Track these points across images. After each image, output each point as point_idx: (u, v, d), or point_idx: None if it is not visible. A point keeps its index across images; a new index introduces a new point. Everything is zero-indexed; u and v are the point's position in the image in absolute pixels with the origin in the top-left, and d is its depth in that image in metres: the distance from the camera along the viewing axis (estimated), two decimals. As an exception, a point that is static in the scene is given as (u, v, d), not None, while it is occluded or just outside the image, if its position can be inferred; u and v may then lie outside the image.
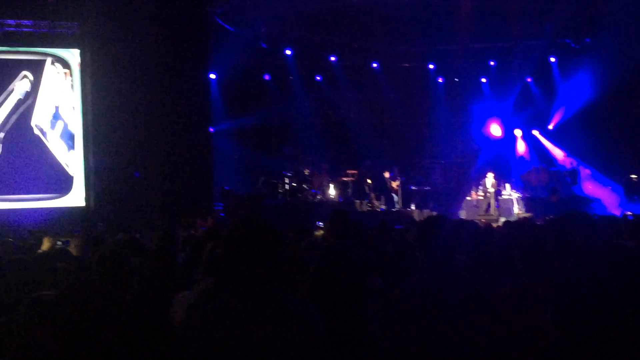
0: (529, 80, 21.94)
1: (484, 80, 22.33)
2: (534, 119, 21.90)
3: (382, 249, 6.24)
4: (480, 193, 18.89)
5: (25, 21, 15.65)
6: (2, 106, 15.57)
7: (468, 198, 19.27)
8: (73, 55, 16.10)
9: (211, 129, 17.36)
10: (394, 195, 19.36)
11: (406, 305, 3.28)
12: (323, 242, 6.40)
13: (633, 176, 19.16)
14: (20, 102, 15.72)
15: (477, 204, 18.72)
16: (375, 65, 21.57)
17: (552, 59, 21.49)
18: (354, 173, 19.72)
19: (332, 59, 21.00)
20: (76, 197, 15.89)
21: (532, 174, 20.15)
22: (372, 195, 19.23)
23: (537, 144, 21.95)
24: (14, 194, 15.46)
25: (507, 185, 19.36)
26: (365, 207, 18.66)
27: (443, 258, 3.35)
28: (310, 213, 16.12)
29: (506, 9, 19.40)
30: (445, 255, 3.36)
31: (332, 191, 19.31)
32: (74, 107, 16.08)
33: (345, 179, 19.61)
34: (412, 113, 22.46)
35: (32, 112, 15.79)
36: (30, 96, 15.80)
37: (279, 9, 18.39)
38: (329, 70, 21.45)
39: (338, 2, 18.72)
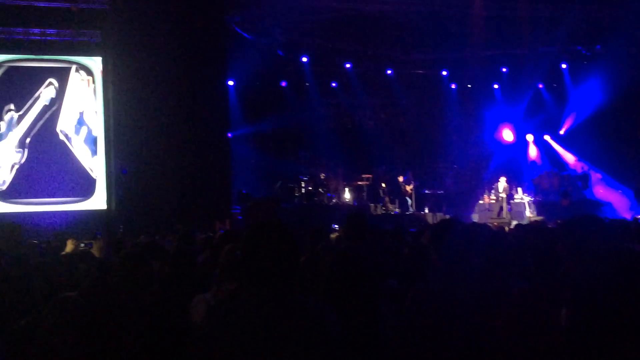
0: (540, 86, 21.86)
1: (496, 86, 22.26)
2: (545, 124, 21.81)
3: (396, 252, 6.22)
4: (493, 197, 18.82)
5: (49, 30, 15.78)
6: (29, 112, 15.70)
7: (480, 202, 19.21)
8: (95, 63, 16.22)
9: (229, 134, 17.41)
10: (407, 199, 19.32)
11: (419, 307, 3.27)
12: (337, 244, 6.39)
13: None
14: (46, 108, 15.84)
15: (489, 208, 18.64)
16: (389, 72, 21.54)
17: (564, 66, 21.42)
18: (368, 177, 19.70)
19: (347, 65, 20.99)
20: (98, 201, 15.98)
21: (544, 178, 20.05)
22: (387, 199, 19.20)
23: (548, 149, 21.84)
24: (39, 197, 15.57)
25: (519, 189, 19.27)
26: (380, 211, 18.64)
27: (456, 260, 3.33)
28: (326, 216, 16.10)
29: (518, 16, 19.32)
30: (458, 257, 3.34)
31: (347, 195, 19.30)
32: (96, 113, 16.19)
33: (360, 183, 19.59)
34: (426, 118, 22.40)
35: (58, 118, 15.91)
36: (56, 102, 15.93)
37: (296, 17, 18.40)
38: (344, 76, 21.44)
39: (353, 10, 18.71)
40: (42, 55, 15.89)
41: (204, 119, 15.92)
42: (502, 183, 18.59)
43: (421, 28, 19.47)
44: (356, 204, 18.80)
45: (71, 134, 15.97)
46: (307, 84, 20.90)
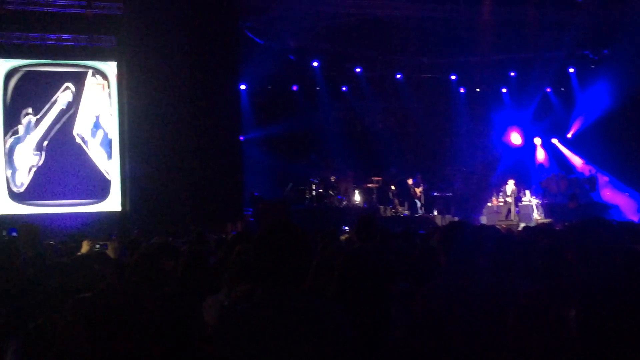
0: (548, 90, 21.77)
1: (504, 90, 22.20)
2: (553, 128, 21.74)
3: (405, 253, 6.20)
4: (501, 199, 18.75)
5: (65, 35, 15.88)
6: (47, 116, 15.79)
7: (489, 204, 19.15)
8: (110, 67, 16.29)
9: (241, 137, 17.44)
10: (416, 201, 19.28)
11: (429, 308, 3.26)
12: (347, 245, 6.39)
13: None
14: (63, 112, 15.93)
15: (497, 210, 18.58)
16: (399, 76, 21.52)
17: (571, 70, 21.34)
18: (378, 180, 19.68)
19: (358, 70, 20.99)
20: (113, 202, 16.04)
21: (552, 181, 19.96)
22: (396, 201, 19.17)
23: (556, 152, 21.76)
24: (55, 199, 15.65)
25: (527, 192, 19.21)
26: (389, 213, 18.61)
27: (465, 262, 3.32)
28: (336, 218, 16.09)
29: (526, 21, 19.28)
30: (467, 259, 3.33)
31: (357, 197, 19.28)
32: (111, 116, 16.26)
33: (370, 185, 19.57)
34: (435, 122, 22.35)
35: (74, 121, 15.99)
36: (73, 106, 16.01)
37: (307, 22, 18.43)
38: (355, 81, 21.44)
39: (363, 16, 18.72)
40: (58, 60, 15.98)
41: (217, 123, 15.95)
42: (510, 186, 18.53)
43: (430, 33, 19.46)
44: (366, 206, 18.78)
45: (87, 137, 16.05)
46: (317, 88, 20.90)
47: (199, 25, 15.79)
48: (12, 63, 15.69)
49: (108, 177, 16.07)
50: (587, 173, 20.38)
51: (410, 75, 21.58)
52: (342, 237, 8.19)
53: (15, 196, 15.43)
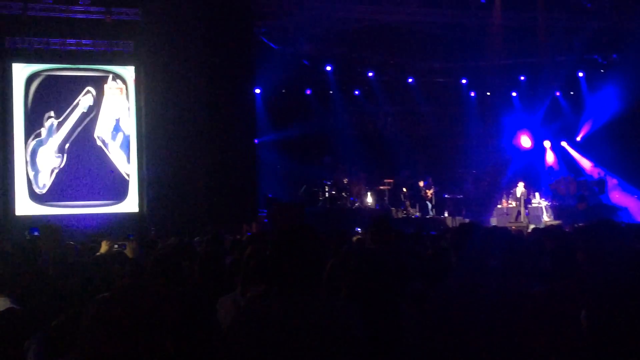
0: (557, 94, 21.67)
1: (514, 94, 22.11)
2: (562, 131, 21.63)
3: (417, 254, 6.18)
4: (511, 201, 18.66)
5: (85, 40, 15.98)
6: (68, 119, 15.89)
7: (499, 206, 19.07)
8: (128, 72, 16.37)
9: (256, 140, 17.46)
10: (428, 203, 19.23)
11: (440, 308, 3.25)
12: (358, 246, 6.37)
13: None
14: (84, 116, 16.02)
15: (507, 212, 18.49)
16: (410, 80, 21.48)
17: (580, 74, 21.22)
18: (390, 182, 19.63)
19: (370, 74, 20.98)
20: (131, 204, 16.11)
21: (561, 184, 19.84)
22: (408, 203, 19.13)
23: (565, 155, 21.64)
24: (76, 200, 15.74)
25: (537, 194, 19.10)
26: (401, 214, 18.56)
27: (476, 262, 3.30)
28: (349, 220, 16.08)
29: (536, 26, 19.21)
30: (478, 260, 3.32)
31: (369, 199, 19.24)
32: (129, 118, 16.34)
33: (382, 187, 19.52)
34: (446, 125, 22.31)
35: (95, 124, 16.07)
36: (94, 110, 16.09)
37: (320, 28, 18.45)
38: (367, 85, 21.43)
39: (375, 21, 18.72)
40: (78, 64, 16.08)
41: (232, 126, 15.98)
42: (520, 188, 18.43)
43: (441, 38, 19.44)
44: (378, 207, 18.75)
45: (108, 139, 16.13)
46: (331, 92, 20.91)
47: (214, 31, 15.84)
48: (33, 68, 15.79)
49: (128, 178, 16.15)
50: (596, 176, 20.26)
51: (422, 80, 21.54)
52: (354, 238, 8.17)
53: (37, 197, 15.53)
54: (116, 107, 16.27)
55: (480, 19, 19.02)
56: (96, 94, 16.12)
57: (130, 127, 16.31)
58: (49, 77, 15.95)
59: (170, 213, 15.42)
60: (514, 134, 21.66)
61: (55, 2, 15.47)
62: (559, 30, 19.32)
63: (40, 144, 15.72)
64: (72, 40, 15.90)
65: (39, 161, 15.68)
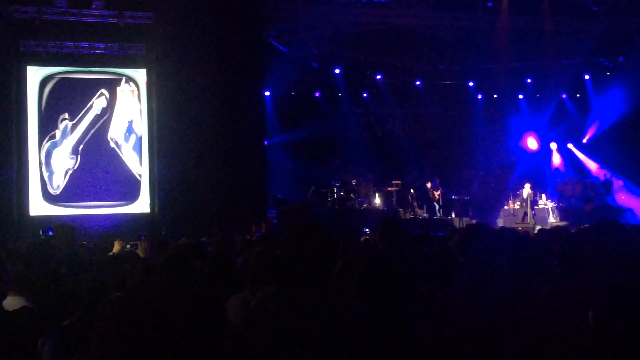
0: (564, 96, 21.60)
1: (521, 96, 22.05)
2: (568, 133, 21.55)
3: (424, 255, 6.17)
4: (517, 202, 18.61)
5: (98, 44, 16.04)
6: (82, 121, 15.96)
7: (505, 207, 19.02)
8: (140, 74, 16.43)
9: (265, 142, 17.48)
10: (435, 204, 19.20)
11: (448, 308, 3.24)
12: (366, 247, 6.36)
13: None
14: (98, 118, 16.08)
15: (514, 213, 18.44)
16: (418, 83, 21.45)
17: (587, 77, 21.14)
18: (398, 183, 19.61)
19: (378, 77, 20.97)
20: (142, 204, 16.15)
21: (567, 185, 19.76)
22: (415, 204, 19.10)
23: (571, 157, 21.57)
24: (89, 200, 15.79)
25: (543, 195, 19.03)
26: (408, 216, 18.54)
27: (483, 263, 3.29)
28: (357, 220, 16.07)
29: (542, 29, 19.16)
30: (485, 260, 3.30)
31: (377, 200, 19.23)
32: (141, 119, 16.39)
33: (389, 188, 19.50)
34: (453, 127, 22.28)
35: (109, 126, 16.13)
36: (107, 112, 16.15)
37: (329, 31, 18.46)
38: (375, 87, 21.41)
39: (384, 25, 18.71)
40: (91, 67, 16.15)
41: (242, 128, 16.00)
42: (527, 189, 18.38)
43: (449, 41, 19.41)
44: (386, 208, 18.73)
45: (121, 141, 16.19)
46: (339, 94, 20.91)
47: (225, 34, 15.86)
48: (47, 70, 15.88)
49: (140, 179, 16.19)
50: (602, 177, 20.17)
51: (429, 82, 21.51)
52: (361, 239, 8.16)
53: (51, 198, 15.60)
54: (129, 109, 16.33)
55: (488, 23, 18.99)
56: (109, 96, 16.18)
57: (142, 129, 16.36)
58: (62, 80, 16.02)
59: (180, 213, 15.45)
60: (520, 136, 21.60)
61: (69, 7, 15.53)
62: (565, 33, 19.26)
63: (54, 145, 15.79)
64: (85, 44, 15.97)
65: (53, 162, 15.75)
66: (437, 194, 19.26)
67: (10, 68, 15.44)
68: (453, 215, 18.94)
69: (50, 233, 10.75)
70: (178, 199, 15.66)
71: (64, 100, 15.96)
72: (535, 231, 10.68)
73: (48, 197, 15.56)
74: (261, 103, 17.39)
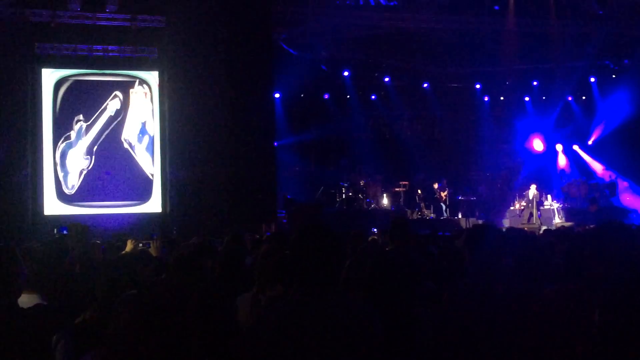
0: (569, 98, 21.55)
1: (527, 98, 22.00)
2: (574, 135, 21.50)
3: (431, 254, 6.16)
4: (523, 203, 18.56)
5: (111, 47, 16.10)
6: (97, 123, 16.02)
7: (511, 208, 18.99)
8: (153, 77, 16.47)
9: (275, 143, 17.50)
10: (442, 204, 19.17)
11: (453, 308, 3.23)
12: (374, 247, 6.36)
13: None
14: (111, 119, 16.13)
15: (519, 214, 18.41)
16: (425, 85, 21.44)
17: (592, 79, 21.07)
18: (405, 184, 19.61)
19: (386, 79, 20.96)
20: (155, 204, 16.19)
21: (572, 186, 19.70)
22: (422, 204, 19.08)
23: (577, 158, 21.50)
24: (103, 200, 15.84)
25: (549, 196, 18.98)
26: (416, 216, 18.53)
27: (490, 263, 3.28)
28: (365, 221, 16.06)
29: (548, 33, 19.10)
30: (491, 260, 3.29)
31: (385, 201, 19.22)
32: (153, 121, 16.43)
33: (397, 189, 19.50)
34: (460, 129, 22.25)
35: (122, 127, 16.18)
36: (121, 113, 16.20)
37: (338, 34, 18.47)
38: (383, 89, 21.41)
39: (392, 28, 18.70)
40: (104, 70, 16.20)
41: (252, 129, 16.01)
42: (533, 190, 18.33)
43: (456, 44, 19.39)
44: (393, 209, 18.71)
45: (134, 142, 16.24)
46: (348, 96, 20.92)
47: (235, 37, 15.88)
48: (61, 73, 15.93)
49: (152, 180, 16.24)
50: (607, 178, 20.08)
51: (437, 85, 21.49)
52: (369, 239, 8.16)
53: (66, 198, 15.66)
54: (142, 111, 16.38)
55: (494, 26, 18.94)
56: (123, 98, 16.23)
57: (154, 130, 16.41)
58: (77, 82, 16.08)
59: (192, 213, 15.46)
60: (526, 138, 21.55)
61: (82, 10, 15.58)
62: (571, 36, 19.21)
63: (69, 146, 15.85)
64: (99, 47, 16.02)
65: (68, 163, 15.81)
66: (444, 194, 19.23)
67: (26, 70, 15.51)
68: (460, 216, 18.91)
69: (65, 232, 10.79)
70: (189, 199, 15.68)
71: (79, 101, 16.02)
72: (541, 232, 10.62)
73: (63, 196, 15.63)
74: (271, 105, 17.40)
